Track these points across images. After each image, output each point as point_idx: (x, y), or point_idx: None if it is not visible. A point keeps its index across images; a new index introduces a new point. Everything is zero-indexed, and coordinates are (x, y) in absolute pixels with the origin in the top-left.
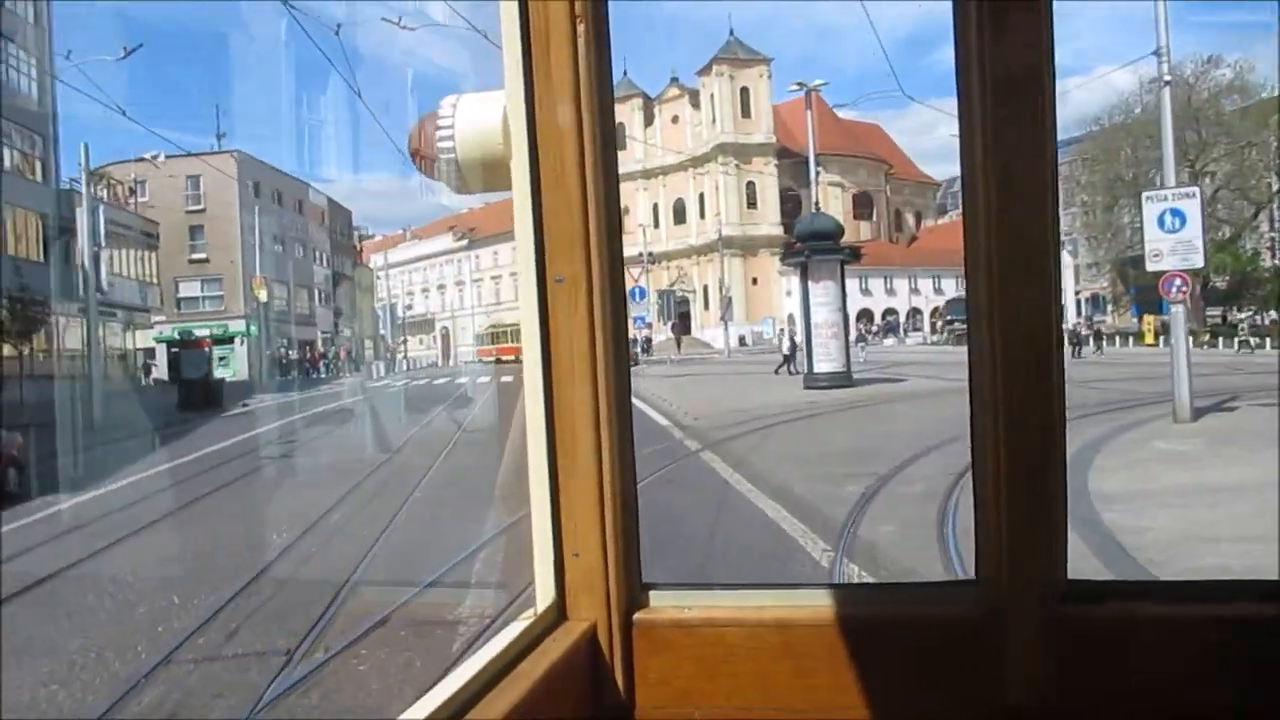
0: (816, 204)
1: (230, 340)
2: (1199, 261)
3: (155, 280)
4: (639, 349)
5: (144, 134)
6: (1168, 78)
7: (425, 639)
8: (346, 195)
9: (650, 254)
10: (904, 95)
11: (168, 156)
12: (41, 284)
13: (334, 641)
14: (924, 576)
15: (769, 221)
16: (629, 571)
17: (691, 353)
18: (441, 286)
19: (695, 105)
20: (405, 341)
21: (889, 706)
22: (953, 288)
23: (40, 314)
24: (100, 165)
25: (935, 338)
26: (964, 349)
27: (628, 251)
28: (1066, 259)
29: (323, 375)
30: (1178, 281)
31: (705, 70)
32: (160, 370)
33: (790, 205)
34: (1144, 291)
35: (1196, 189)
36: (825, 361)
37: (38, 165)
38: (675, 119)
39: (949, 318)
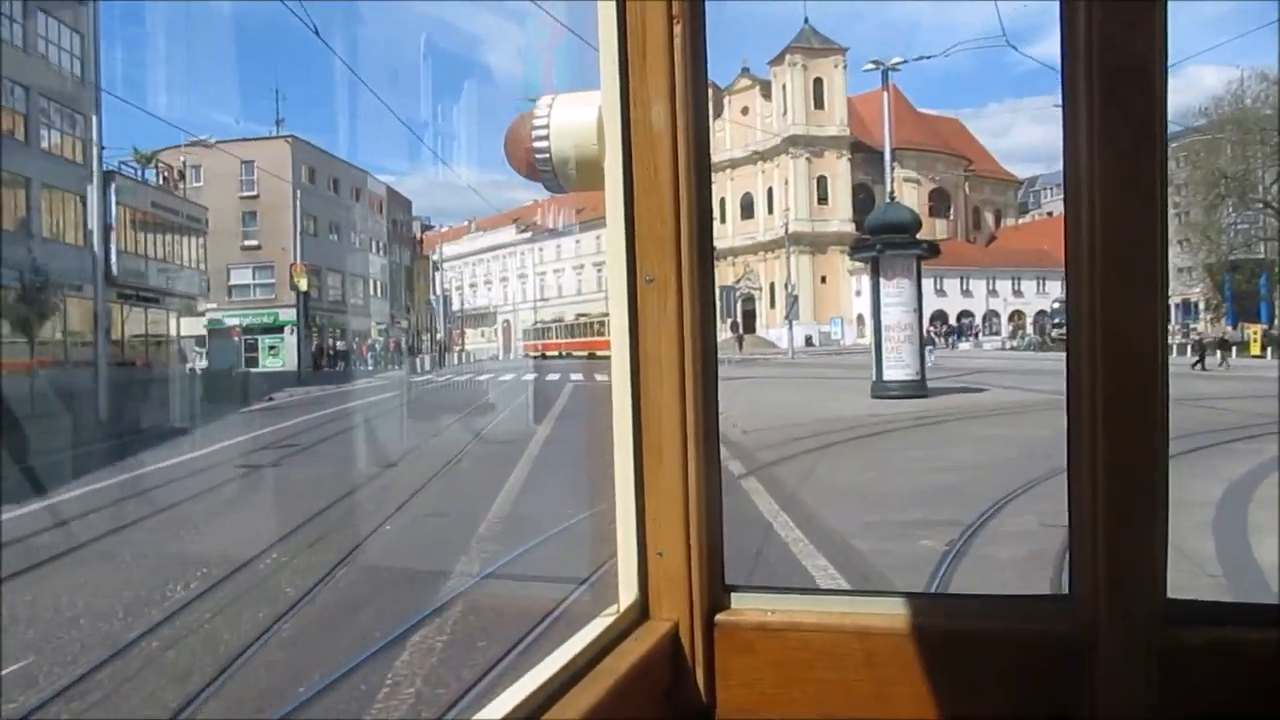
0: (891, 194)
1: (281, 329)
2: None
3: (200, 266)
4: None
5: (202, 119)
6: None
7: None
8: (418, 189)
9: (715, 249)
10: (1017, 51)
11: (219, 142)
12: (75, 267)
13: None
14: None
15: (840, 218)
16: (712, 572)
17: (754, 353)
18: (504, 279)
19: (766, 96)
20: (463, 334)
21: None
22: (1033, 290)
23: (58, 298)
24: (154, 150)
25: (1014, 342)
26: (1048, 355)
27: None
28: None
29: (370, 367)
30: None
31: (778, 60)
32: (206, 359)
33: (863, 201)
34: (1241, 299)
35: None
36: (896, 368)
37: (78, 145)
38: (745, 110)
39: (1057, 321)
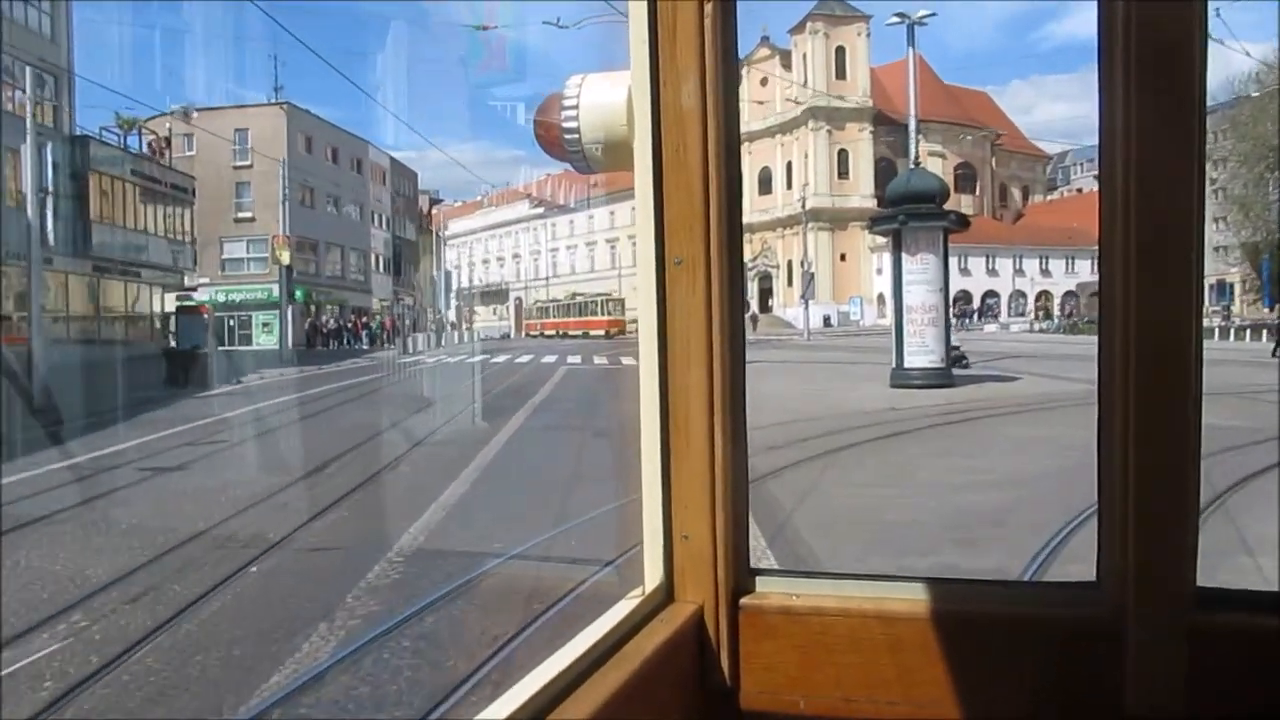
0: (916, 160)
1: (274, 305)
2: None
3: (186, 238)
4: None
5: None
6: None
7: None
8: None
9: None
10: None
11: (209, 109)
12: (15, 236)
13: None
14: None
15: (861, 193)
16: (738, 556)
17: (769, 333)
18: (516, 255)
19: (786, 66)
20: (473, 311)
21: (995, 709)
22: (1061, 270)
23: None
24: (147, 116)
25: (1043, 324)
26: (1079, 338)
27: None
28: None
29: (364, 346)
30: None
31: (798, 28)
32: (174, 340)
33: (885, 175)
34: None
35: None
36: (919, 354)
37: (49, 109)
38: (764, 81)
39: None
